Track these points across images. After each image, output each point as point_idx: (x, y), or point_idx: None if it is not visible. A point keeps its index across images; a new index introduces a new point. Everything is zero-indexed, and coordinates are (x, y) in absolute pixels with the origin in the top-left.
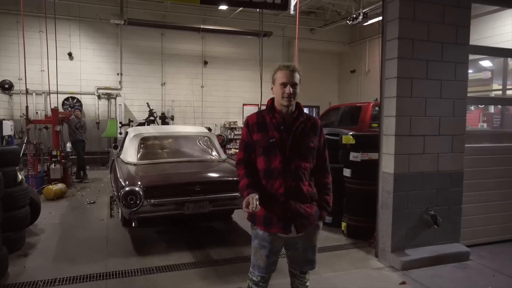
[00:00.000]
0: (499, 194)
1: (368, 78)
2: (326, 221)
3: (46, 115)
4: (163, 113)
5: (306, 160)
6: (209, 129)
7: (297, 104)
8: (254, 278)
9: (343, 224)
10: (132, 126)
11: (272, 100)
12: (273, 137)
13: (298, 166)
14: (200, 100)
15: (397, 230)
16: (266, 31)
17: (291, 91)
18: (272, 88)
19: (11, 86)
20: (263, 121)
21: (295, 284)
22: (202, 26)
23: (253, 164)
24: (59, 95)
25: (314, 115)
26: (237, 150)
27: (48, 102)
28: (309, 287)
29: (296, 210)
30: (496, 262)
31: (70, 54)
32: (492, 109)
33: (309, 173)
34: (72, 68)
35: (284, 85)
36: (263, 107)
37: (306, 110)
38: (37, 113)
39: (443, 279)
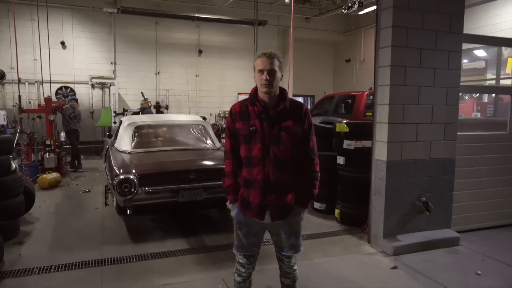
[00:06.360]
0: (490, 181)
1: (363, 67)
2: (319, 208)
3: (39, 105)
4: (157, 103)
5: (286, 148)
6: (204, 118)
7: (281, 90)
8: (240, 260)
9: (337, 211)
10: (126, 115)
11: (255, 88)
12: (254, 125)
13: (277, 154)
14: (195, 90)
15: (390, 217)
16: (261, 20)
17: (268, 78)
18: (254, 77)
19: (3, 75)
20: (245, 110)
21: (283, 268)
22: (196, 15)
23: (238, 153)
24: (52, 84)
25: (309, 104)
26: None
27: (41, 91)
28: (298, 271)
29: (272, 200)
30: (485, 247)
31: (62, 43)
32: (486, 98)
33: (290, 161)
34: (65, 57)
35: (261, 72)
36: None
37: (300, 99)
38: (30, 102)
39: (433, 264)
